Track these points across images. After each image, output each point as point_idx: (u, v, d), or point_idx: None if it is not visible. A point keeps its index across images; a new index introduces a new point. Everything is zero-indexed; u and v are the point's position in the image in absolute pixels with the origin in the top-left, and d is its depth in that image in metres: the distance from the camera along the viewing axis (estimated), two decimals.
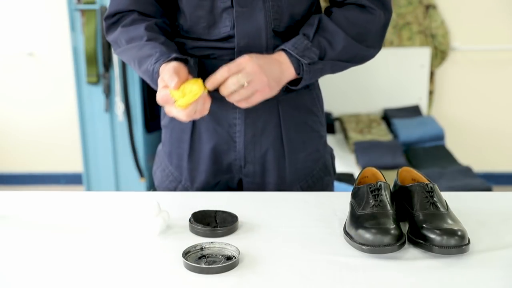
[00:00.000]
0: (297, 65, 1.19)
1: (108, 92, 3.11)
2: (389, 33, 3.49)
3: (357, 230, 0.99)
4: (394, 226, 0.98)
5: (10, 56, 3.64)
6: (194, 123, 1.31)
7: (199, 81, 1.10)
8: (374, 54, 1.30)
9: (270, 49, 1.23)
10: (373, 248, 0.96)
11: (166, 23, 1.30)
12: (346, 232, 1.04)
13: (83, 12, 3.05)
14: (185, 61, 1.17)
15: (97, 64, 3.10)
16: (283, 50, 1.20)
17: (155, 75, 1.15)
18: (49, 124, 3.74)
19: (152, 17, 1.28)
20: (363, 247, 0.97)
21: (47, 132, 3.76)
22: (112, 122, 3.18)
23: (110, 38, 1.30)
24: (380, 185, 1.06)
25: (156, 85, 1.15)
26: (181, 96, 1.07)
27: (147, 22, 1.25)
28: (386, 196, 1.05)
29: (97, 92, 3.14)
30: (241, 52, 1.21)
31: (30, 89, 3.68)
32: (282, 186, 1.34)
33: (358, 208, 1.05)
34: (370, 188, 1.06)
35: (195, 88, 1.07)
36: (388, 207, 1.03)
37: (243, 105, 1.15)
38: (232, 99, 1.14)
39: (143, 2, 1.27)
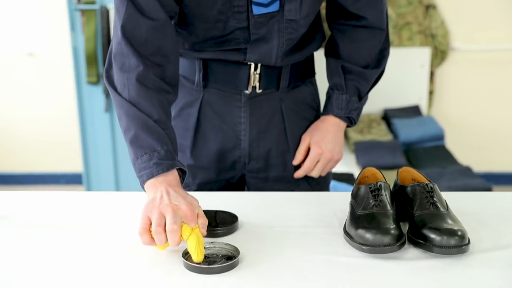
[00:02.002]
0: (349, 120, 1.36)
1: (108, 92, 3.11)
2: (389, 33, 3.49)
3: (357, 230, 0.99)
4: (394, 226, 0.98)
5: (10, 56, 3.64)
6: (198, 120, 1.32)
7: (196, 230, 0.98)
8: (389, 52, 1.40)
9: (277, 64, 1.27)
10: (373, 248, 0.96)
11: (175, 94, 1.19)
12: (346, 232, 1.04)
13: (83, 12, 3.05)
14: (183, 171, 1.10)
15: (97, 64, 3.10)
16: (332, 114, 1.35)
17: (148, 175, 1.04)
18: (49, 124, 3.73)
19: (164, 71, 1.15)
20: (363, 247, 0.97)
21: (47, 132, 3.75)
22: (112, 122, 3.18)
23: (113, 74, 1.14)
24: (380, 185, 1.06)
25: (145, 174, 1.05)
26: (197, 250, 0.95)
27: (161, 96, 1.13)
28: (386, 196, 1.05)
29: (97, 92, 3.14)
30: (248, 63, 1.27)
31: (30, 89, 3.67)
32: (287, 179, 1.37)
33: (358, 208, 1.05)
34: (370, 188, 1.06)
35: (199, 256, 0.94)
36: (388, 207, 1.03)
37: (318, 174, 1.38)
38: (316, 174, 1.37)
39: (162, 33, 1.14)
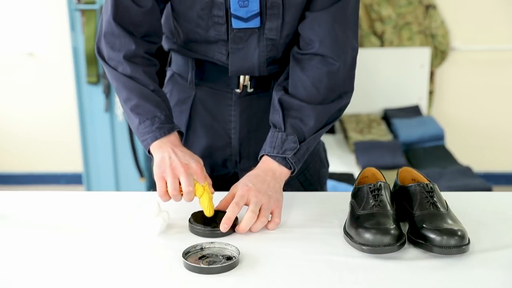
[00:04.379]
0: (285, 162, 1.16)
1: (108, 92, 3.11)
2: (389, 33, 3.49)
3: (357, 230, 0.99)
4: (394, 226, 0.98)
5: (10, 56, 3.64)
6: (190, 118, 1.32)
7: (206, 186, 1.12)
8: (350, 98, 1.24)
9: (263, 74, 1.26)
10: (373, 248, 0.96)
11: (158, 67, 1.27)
12: (346, 232, 1.04)
13: (83, 12, 3.05)
14: (181, 134, 1.20)
15: (97, 64, 3.09)
16: (265, 155, 1.18)
17: (151, 138, 1.15)
18: (49, 124, 3.73)
19: (150, 53, 1.24)
20: (363, 247, 0.97)
21: (47, 132, 3.75)
22: (112, 122, 3.18)
23: (111, 50, 1.20)
24: (380, 185, 1.06)
25: (149, 138, 1.16)
26: (206, 205, 1.10)
27: (150, 68, 1.22)
28: (386, 196, 1.05)
29: (97, 92, 3.14)
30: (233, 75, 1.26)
31: (30, 89, 3.67)
32: None
33: (358, 208, 1.05)
34: (370, 188, 1.06)
35: (211, 211, 1.10)
36: (388, 207, 1.03)
37: (272, 227, 1.09)
38: (256, 228, 1.08)
39: (150, 17, 1.21)
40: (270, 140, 1.19)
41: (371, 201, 1.04)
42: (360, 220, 1.01)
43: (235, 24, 1.18)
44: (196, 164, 1.11)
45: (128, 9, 1.18)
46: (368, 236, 0.97)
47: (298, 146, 1.17)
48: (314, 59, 1.19)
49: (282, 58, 1.27)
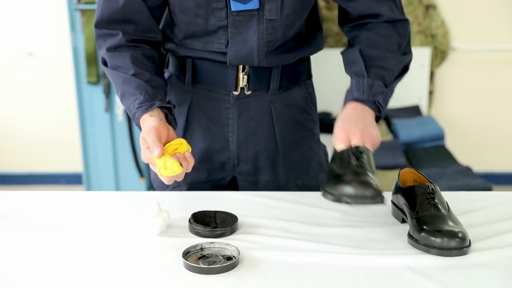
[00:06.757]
0: (374, 106, 1.18)
1: (108, 92, 3.11)
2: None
3: (336, 186, 0.99)
4: (376, 182, 0.98)
5: (10, 56, 3.64)
6: (187, 120, 1.32)
7: (183, 145, 1.12)
8: (411, 58, 1.29)
9: (262, 64, 1.25)
10: (356, 200, 0.96)
11: (153, 48, 1.28)
12: (325, 191, 1.03)
13: (83, 12, 3.05)
14: (168, 108, 1.18)
15: (97, 64, 3.09)
16: (352, 100, 1.18)
17: (136, 120, 1.18)
18: (49, 124, 3.74)
19: (141, 41, 1.26)
20: (346, 198, 0.97)
21: (47, 132, 3.76)
22: (112, 122, 3.18)
23: (99, 49, 1.29)
24: (362, 149, 1.06)
25: (134, 121, 1.19)
26: (163, 167, 1.06)
27: (133, 52, 1.23)
28: (368, 160, 1.04)
29: (97, 92, 3.14)
30: (232, 65, 1.26)
31: (30, 89, 3.67)
32: (277, 184, 1.35)
33: (338, 169, 1.04)
34: (353, 152, 1.05)
35: (175, 167, 1.06)
36: (369, 169, 1.02)
37: None
38: None
39: (139, 15, 1.24)
40: (356, 87, 1.18)
41: (352, 161, 1.03)
42: (340, 178, 1.01)
43: (234, 6, 1.18)
44: (147, 136, 1.09)
45: (108, 10, 1.23)
46: (349, 189, 0.97)
47: (386, 90, 1.19)
48: (379, 23, 1.25)
49: (280, 48, 1.26)
